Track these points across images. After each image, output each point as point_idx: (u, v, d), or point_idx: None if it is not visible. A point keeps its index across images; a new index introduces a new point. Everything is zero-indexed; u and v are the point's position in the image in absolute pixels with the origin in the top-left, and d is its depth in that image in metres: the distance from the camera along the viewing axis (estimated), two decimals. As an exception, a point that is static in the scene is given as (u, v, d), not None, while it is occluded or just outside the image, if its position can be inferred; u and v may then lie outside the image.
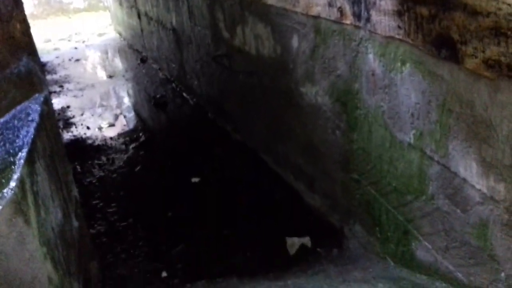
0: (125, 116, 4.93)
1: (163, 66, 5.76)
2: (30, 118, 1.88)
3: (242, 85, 3.45)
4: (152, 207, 3.15)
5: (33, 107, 1.98)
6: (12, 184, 1.43)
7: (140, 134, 4.30)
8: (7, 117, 1.89)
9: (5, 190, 1.39)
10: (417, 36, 1.64)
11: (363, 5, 1.92)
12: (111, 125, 4.75)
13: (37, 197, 1.61)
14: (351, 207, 2.45)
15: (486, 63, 1.35)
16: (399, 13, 1.70)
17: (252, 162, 3.48)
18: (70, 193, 2.31)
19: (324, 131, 2.52)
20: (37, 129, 1.82)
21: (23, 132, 1.77)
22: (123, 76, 6.18)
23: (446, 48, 1.51)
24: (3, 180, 1.45)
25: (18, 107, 1.96)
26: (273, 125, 3.15)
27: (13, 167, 1.53)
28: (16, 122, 1.86)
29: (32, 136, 1.74)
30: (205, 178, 3.41)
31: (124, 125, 4.67)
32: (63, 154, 2.48)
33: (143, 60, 6.38)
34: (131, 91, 5.72)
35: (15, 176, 1.47)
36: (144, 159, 3.86)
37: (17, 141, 1.71)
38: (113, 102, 5.40)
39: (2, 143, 1.70)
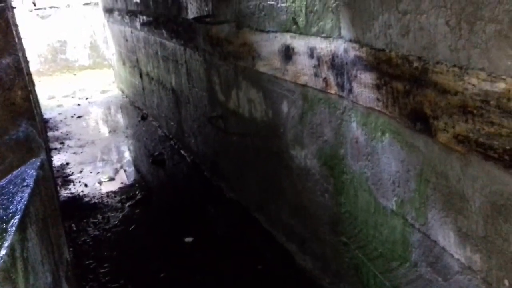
0: (125, 171, 5.00)
1: (162, 123, 5.89)
2: (25, 184, 1.95)
3: (236, 145, 3.54)
4: (145, 268, 3.15)
5: (29, 172, 2.05)
6: (3, 252, 1.47)
7: (137, 192, 4.35)
8: (3, 182, 1.95)
9: (-6, 259, 1.43)
10: (394, 109, 1.73)
11: (345, 77, 2.03)
12: (111, 179, 4.81)
13: (27, 263, 1.65)
14: (341, 270, 2.46)
15: (456, 138, 1.43)
16: (378, 87, 1.80)
17: (245, 221, 3.51)
18: (61, 256, 2.34)
19: (314, 193, 2.57)
20: (31, 195, 1.88)
21: (17, 198, 1.83)
22: (124, 132, 6.30)
23: (420, 121, 1.59)
24: (-6, 248, 1.49)
25: (15, 172, 2.03)
26: (265, 185, 3.21)
27: (4, 234, 1.58)
28: (11, 187, 1.93)
29: (25, 202, 1.80)
30: (199, 238, 3.42)
31: (123, 180, 4.73)
32: (57, 216, 2.53)
33: (144, 118, 6.53)
34: (131, 147, 5.82)
35: (6, 244, 1.51)
36: (139, 217, 3.89)
37: (11, 207, 1.77)
38: (113, 157, 5.49)
39: (-4, 209, 1.75)
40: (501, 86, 1.23)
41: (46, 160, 2.48)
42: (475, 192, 1.41)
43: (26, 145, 2.18)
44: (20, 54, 2.81)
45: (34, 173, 2.04)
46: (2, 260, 1.45)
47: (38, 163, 2.15)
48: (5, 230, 1.59)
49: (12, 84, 2.25)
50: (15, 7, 4.51)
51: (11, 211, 1.73)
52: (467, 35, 1.31)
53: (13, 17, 3.34)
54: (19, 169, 2.05)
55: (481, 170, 1.36)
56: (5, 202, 1.80)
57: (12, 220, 1.66)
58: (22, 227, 1.67)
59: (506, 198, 1.29)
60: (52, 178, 3.94)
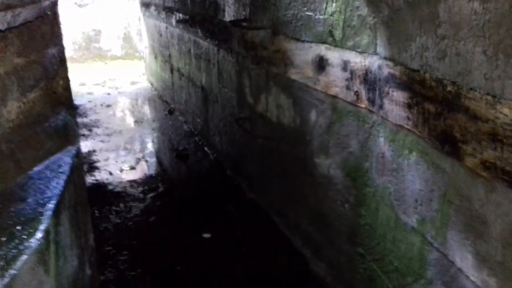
0: (146, 161, 5.12)
1: (189, 119, 5.99)
2: (61, 170, 2.05)
3: (261, 148, 3.60)
4: (162, 259, 3.23)
5: (65, 159, 2.15)
6: (39, 234, 1.57)
7: (159, 184, 4.45)
8: (41, 167, 2.05)
9: (32, 240, 1.53)
10: (424, 129, 1.76)
11: (377, 93, 2.07)
12: (132, 168, 4.94)
13: (58, 247, 1.74)
14: (355, 280, 2.50)
15: (483, 164, 1.46)
16: (409, 106, 1.84)
17: (263, 223, 3.56)
18: (87, 242, 2.43)
19: (334, 202, 2.61)
20: (66, 182, 1.97)
21: (53, 184, 1.93)
22: (150, 125, 6.43)
23: (449, 144, 1.63)
24: (31, 230, 1.59)
25: (52, 158, 2.12)
26: (287, 189, 3.26)
27: (41, 217, 1.67)
28: (48, 173, 2.02)
29: (61, 188, 1.89)
30: (216, 235, 3.50)
31: (146, 171, 4.84)
32: (85, 204, 2.63)
33: (171, 112, 6.65)
34: (155, 140, 5.94)
35: (42, 227, 1.61)
36: (160, 210, 3.99)
37: (47, 192, 1.86)
38: (137, 147, 5.61)
39: (33, 193, 1.85)
40: (532, 118, 1.26)
41: (80, 148, 2.58)
42: (497, 218, 1.43)
43: (64, 132, 2.28)
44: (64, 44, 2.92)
45: (70, 161, 2.14)
46: (38, 242, 1.54)
47: (74, 152, 2.24)
48: (41, 214, 1.69)
49: (55, 74, 2.35)
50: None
51: (47, 195, 1.82)
52: (503, 65, 1.34)
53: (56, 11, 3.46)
54: (56, 155, 2.14)
55: (505, 197, 1.39)
56: (41, 186, 1.90)
57: (48, 205, 1.75)
58: (56, 212, 1.76)
59: (528, 227, 1.32)
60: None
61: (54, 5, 2.20)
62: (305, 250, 3.08)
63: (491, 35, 1.37)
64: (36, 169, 2.03)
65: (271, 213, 3.59)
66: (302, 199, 3.03)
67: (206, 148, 5.24)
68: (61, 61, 2.43)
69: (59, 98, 2.38)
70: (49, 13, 2.21)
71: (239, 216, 3.77)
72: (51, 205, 1.77)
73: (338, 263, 2.69)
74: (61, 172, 2.04)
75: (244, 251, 3.28)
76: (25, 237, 1.56)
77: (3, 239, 1.55)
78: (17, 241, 1.54)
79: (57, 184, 1.93)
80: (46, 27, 2.32)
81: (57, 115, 2.32)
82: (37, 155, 2.08)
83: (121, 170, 4.85)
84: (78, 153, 2.31)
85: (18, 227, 1.62)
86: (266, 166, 3.58)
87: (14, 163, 2.02)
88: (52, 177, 2.00)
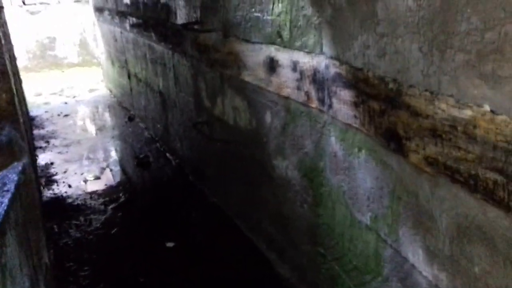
0: (109, 172, 5.01)
1: (149, 125, 5.90)
2: (5, 189, 1.96)
3: (220, 152, 3.57)
4: (124, 271, 3.16)
5: (11, 176, 2.06)
6: (-21, 259, 1.49)
7: (121, 194, 4.35)
8: (-17, 187, 1.96)
9: (-30, 266, 1.45)
10: (370, 127, 1.77)
11: (326, 92, 2.07)
12: (97, 178, 4.82)
13: (5, 270, 1.66)
14: (318, 280, 2.50)
15: (426, 160, 1.48)
16: (356, 104, 1.85)
17: (227, 227, 3.54)
18: (40, 260, 2.35)
19: (293, 203, 2.61)
20: (12, 200, 1.89)
21: (-3, 203, 1.84)
22: (110, 133, 6.29)
23: (394, 141, 1.64)
24: (-29, 255, 1.51)
25: (-4, 177, 2.04)
26: (247, 192, 3.24)
27: (-18, 241, 1.59)
28: (-9, 192, 1.93)
29: (5, 208, 1.81)
30: (180, 243, 3.44)
31: (107, 181, 4.73)
32: (38, 220, 2.54)
33: (131, 119, 6.53)
34: (116, 148, 5.81)
35: (-17, 251, 1.53)
36: (122, 220, 3.90)
37: (-11, 213, 1.78)
38: (97, 158, 5.48)
39: (-25, 215, 1.76)
40: (468, 113, 1.28)
41: (29, 163, 2.49)
42: (442, 213, 1.45)
43: (9, 149, 2.19)
44: (7, 56, 2.82)
45: (16, 178, 2.05)
46: (-21, 267, 1.46)
47: (20, 167, 2.16)
48: (-17, 237, 1.61)
49: (-5, 88, 2.25)
50: (2, 6, 4.49)
51: (-11, 217, 1.74)
52: (438, 62, 1.36)
53: (1, 18, 3.33)
54: (1, 173, 2.06)
55: (449, 192, 1.41)
56: (-16, 207, 1.81)
57: (-10, 227, 1.67)
58: (1, 233, 1.68)
59: (471, 221, 1.34)
60: (36, 178, 3.94)
61: (-12, 17, 2.11)
62: (270, 253, 3.07)
63: (425, 31, 1.39)
64: (-22, 189, 1.95)
65: (233, 217, 3.56)
66: (262, 201, 3.02)
67: (168, 154, 5.17)
68: (3, 74, 2.34)
69: (2, 113, 2.29)
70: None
71: (202, 222, 3.73)
72: (-7, 227, 1.69)
73: (301, 264, 2.69)
74: (5, 191, 1.95)
75: (208, 257, 3.24)
76: (-37, 263, 1.48)
77: None
78: (-45, 268, 1.46)
79: (1, 203, 1.84)
80: (-17, 40, 2.22)
81: (0, 131, 2.22)
82: (-22, 175, 1.99)
83: (86, 181, 4.72)
84: (25, 169, 2.22)
85: (-43, 253, 1.54)
86: (226, 169, 3.55)
87: (-47, 184, 1.93)
88: (-5, 197, 1.91)
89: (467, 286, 1.40)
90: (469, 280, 1.38)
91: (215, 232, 3.55)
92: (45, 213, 3.88)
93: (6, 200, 1.87)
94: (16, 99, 2.75)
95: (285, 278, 2.85)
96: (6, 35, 4.16)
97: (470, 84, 1.26)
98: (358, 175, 1.94)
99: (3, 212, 1.79)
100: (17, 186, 2.02)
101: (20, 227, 2.01)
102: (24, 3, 7.19)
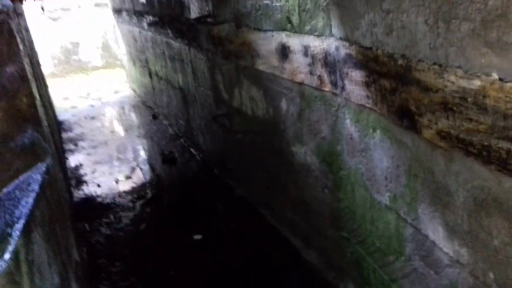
0: (137, 170, 5.10)
1: (172, 122, 5.97)
2: (30, 189, 2.03)
3: (241, 143, 3.58)
4: (154, 266, 3.22)
5: (35, 177, 2.13)
6: (7, 256, 1.55)
7: (148, 191, 4.44)
8: (10, 187, 2.03)
9: (-1, 263, 1.51)
10: (382, 106, 1.75)
11: (338, 74, 2.05)
12: (128, 177, 4.92)
13: (32, 266, 1.72)
14: (343, 264, 2.49)
15: (439, 135, 1.45)
16: (367, 84, 1.83)
17: (252, 217, 3.56)
18: (70, 257, 2.42)
19: (314, 189, 2.60)
20: (36, 199, 1.96)
21: (22, 203, 1.91)
22: (135, 132, 6.40)
23: (406, 118, 1.62)
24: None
25: (21, 178, 2.10)
26: (269, 181, 3.25)
27: (9, 238, 1.65)
28: (17, 192, 2.00)
29: (30, 207, 1.87)
30: (207, 235, 3.49)
31: (135, 179, 4.83)
32: (66, 219, 2.61)
33: (155, 117, 6.62)
34: (141, 147, 5.91)
35: (10, 248, 1.59)
36: (150, 216, 3.97)
37: (16, 212, 1.85)
38: (125, 157, 5.59)
39: (2, 215, 1.83)
40: (476, 83, 1.25)
41: (53, 164, 2.56)
42: (458, 187, 1.43)
43: (32, 150, 2.26)
44: (26, 60, 2.90)
45: (40, 178, 2.12)
46: (7, 263, 1.52)
47: (44, 168, 2.22)
48: (9, 235, 1.67)
49: (16, 92, 2.32)
50: (21, 13, 4.61)
51: (16, 216, 1.81)
52: (444, 33, 1.33)
53: (19, 24, 3.42)
54: (25, 174, 2.13)
55: (463, 165, 1.38)
56: (11, 207, 1.88)
57: (17, 225, 1.73)
58: (26, 231, 1.74)
59: (487, 193, 1.31)
60: (65, 180, 4.05)
61: (4, 22, 2.17)
62: (295, 240, 3.08)
63: (430, 3, 1.36)
64: (5, 190, 2.01)
65: (258, 206, 3.58)
66: (284, 189, 3.02)
67: (192, 149, 5.23)
68: (22, 78, 2.40)
69: (24, 116, 2.36)
70: (1, 31, 2.17)
71: (228, 214, 3.76)
72: (19, 225, 1.75)
73: (326, 249, 2.68)
74: (30, 191, 2.02)
75: (235, 247, 3.28)
76: (-8, 260, 1.54)
77: (-29, 265, 1.53)
78: (-16, 265, 1.53)
79: (27, 203, 1.91)
80: (1, 45, 2.29)
81: (23, 133, 2.29)
82: (5, 176, 2.06)
83: (117, 181, 4.83)
84: (48, 169, 2.29)
85: (-14, 252, 1.60)
86: (248, 160, 3.57)
87: (-18, 187, 2.00)
88: (21, 196, 1.98)
89: (487, 260, 1.37)
90: (489, 253, 1.36)
91: (241, 222, 3.57)
92: (77, 212, 3.99)
93: (31, 200, 1.94)
94: (38, 103, 2.83)
95: (311, 263, 2.85)
96: (27, 41, 4.27)
97: (477, 53, 1.22)
98: (374, 155, 1.92)
99: (28, 211, 1.85)
100: (42, 186, 2.09)
101: (47, 226, 2.08)
102: (43, 10, 7.38)
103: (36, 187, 2.03)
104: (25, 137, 2.28)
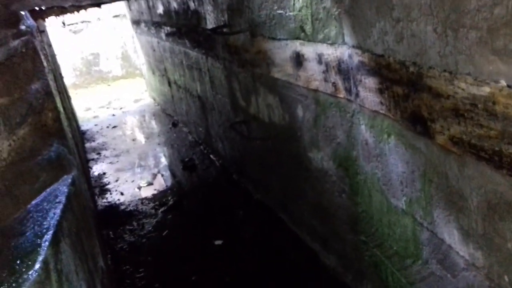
0: (158, 177, 5.21)
1: (192, 129, 6.06)
2: (57, 200, 2.11)
3: (259, 149, 3.63)
4: (177, 271, 3.30)
5: (61, 189, 2.22)
6: (37, 266, 1.63)
7: (169, 198, 4.52)
8: (38, 199, 2.12)
9: (30, 272, 1.59)
10: (396, 112, 1.78)
11: (352, 81, 2.09)
12: (149, 184, 5.03)
13: (61, 275, 1.80)
14: (362, 267, 2.52)
15: (452, 140, 1.48)
16: (380, 91, 1.86)
17: (271, 221, 3.60)
18: (96, 265, 2.50)
19: (332, 193, 2.64)
20: (63, 210, 2.04)
21: (50, 214, 2.00)
22: (156, 140, 6.52)
23: (420, 124, 1.64)
24: (30, 262, 1.65)
25: (48, 190, 2.20)
26: (287, 186, 3.29)
27: (39, 249, 1.73)
28: (45, 204, 2.09)
29: (58, 218, 1.96)
30: (228, 240, 3.55)
31: (157, 186, 4.93)
32: (91, 228, 2.70)
33: (175, 124, 6.73)
34: (162, 155, 6.02)
35: (40, 258, 1.67)
36: (172, 222, 4.05)
37: (44, 223, 1.93)
38: (146, 165, 5.70)
39: (32, 226, 1.92)
40: (486, 90, 1.27)
41: (78, 175, 2.65)
42: (472, 191, 1.45)
43: (58, 163, 2.35)
44: (50, 76, 3.01)
45: (66, 190, 2.21)
46: (37, 273, 1.60)
47: (70, 180, 2.31)
48: (39, 245, 1.75)
49: (42, 108, 2.42)
50: (44, 30, 4.76)
51: (45, 227, 1.89)
52: (452, 41, 1.36)
53: (42, 40, 3.55)
54: (52, 186, 2.22)
55: (476, 170, 1.41)
56: (39, 218, 1.97)
57: (46, 236, 1.82)
58: (55, 241, 1.82)
59: (499, 197, 1.33)
60: (90, 189, 4.16)
61: (29, 42, 2.27)
62: (314, 244, 3.11)
63: (438, 12, 1.39)
64: (33, 202, 2.11)
65: (277, 211, 3.62)
66: (302, 194, 3.06)
67: (211, 156, 5.30)
68: (47, 94, 2.50)
69: (50, 130, 2.46)
70: (25, 50, 2.28)
71: (247, 218, 3.81)
72: (48, 236, 1.83)
73: (345, 253, 2.71)
74: (57, 202, 2.10)
75: (255, 252, 3.33)
76: (24, 269, 1.63)
77: (4, 274, 1.61)
78: (17, 275, 1.61)
79: (54, 214, 1.99)
80: (27, 63, 2.39)
81: (49, 147, 2.39)
82: (33, 189, 2.15)
83: (139, 188, 4.95)
84: (74, 181, 2.37)
85: (18, 261, 1.69)
86: (266, 166, 3.62)
87: (12, 199, 2.10)
88: (49, 208, 2.06)
89: (502, 263, 1.39)
90: (504, 256, 1.37)
91: (260, 227, 3.62)
92: (101, 220, 4.09)
93: (58, 211, 2.02)
94: (63, 116, 2.94)
95: (330, 267, 2.88)
96: (50, 56, 4.42)
97: (485, 61, 1.25)
98: (390, 160, 1.95)
99: (56, 222, 1.94)
100: (68, 198, 2.17)
101: (74, 235, 2.16)
102: (64, 24, 7.61)
103: (63, 198, 2.12)
104: (51, 150, 2.38)
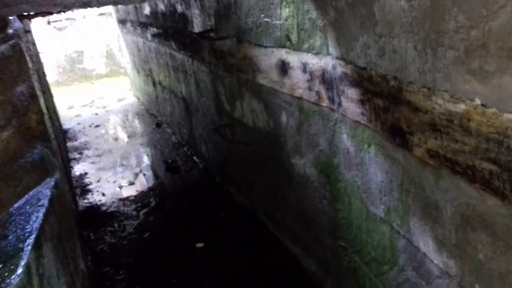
0: (140, 178, 5.20)
1: (176, 130, 6.07)
2: (40, 204, 2.12)
3: (243, 153, 3.67)
4: (158, 274, 3.31)
5: (44, 192, 2.22)
6: (19, 270, 1.64)
7: (151, 199, 4.52)
8: (20, 203, 2.12)
9: (12, 277, 1.60)
10: (376, 123, 1.83)
11: (335, 91, 2.14)
12: (131, 183, 5.03)
13: (42, 279, 1.81)
14: (341, 272, 2.57)
15: (428, 153, 1.53)
16: (362, 102, 1.91)
17: (253, 225, 3.64)
18: (77, 267, 2.51)
19: (313, 199, 2.69)
20: (46, 214, 2.04)
21: (33, 218, 2.00)
22: (139, 140, 6.50)
23: (398, 136, 1.70)
24: (12, 267, 1.66)
25: (31, 193, 2.20)
26: (270, 191, 3.33)
27: (21, 253, 1.74)
28: (28, 207, 2.09)
29: (40, 222, 1.96)
30: (209, 243, 3.57)
31: (139, 187, 4.93)
32: (73, 230, 2.70)
33: (158, 125, 6.72)
34: (145, 155, 6.00)
35: (22, 262, 1.68)
36: (154, 224, 4.06)
37: (27, 226, 1.93)
38: (127, 165, 5.69)
39: (14, 229, 1.92)
40: (461, 107, 1.33)
41: (61, 178, 2.65)
42: (446, 203, 1.51)
43: (41, 166, 2.35)
44: (35, 77, 3.00)
45: (49, 193, 2.21)
46: (19, 278, 1.61)
47: (53, 183, 2.31)
48: (22, 250, 1.76)
49: (26, 110, 2.42)
50: (29, 30, 4.71)
51: (27, 230, 1.89)
52: (431, 59, 1.41)
53: (28, 41, 3.53)
54: (35, 189, 2.22)
55: (451, 183, 1.46)
56: (22, 222, 1.97)
57: (28, 240, 1.82)
58: (37, 245, 1.83)
59: (472, 210, 1.39)
60: (71, 190, 4.14)
61: (15, 45, 2.27)
62: (295, 248, 3.16)
63: (418, 31, 1.44)
64: (16, 205, 2.11)
65: (259, 215, 3.66)
66: (284, 198, 3.10)
67: (195, 157, 5.31)
68: (32, 96, 2.50)
69: (34, 133, 2.45)
70: (12, 54, 2.27)
71: (229, 221, 3.85)
72: (31, 240, 1.84)
73: (325, 258, 2.76)
74: (40, 206, 2.11)
75: (236, 254, 3.36)
76: (6, 274, 1.63)
77: (-14, 279, 1.62)
78: (-1, 279, 1.61)
79: (37, 218, 2.00)
80: (12, 66, 2.38)
81: (33, 149, 2.38)
82: (16, 192, 2.15)
83: (120, 187, 4.94)
84: (57, 184, 2.37)
85: (1, 265, 1.69)
86: (249, 170, 3.65)
87: (-6, 202, 2.09)
88: (32, 211, 2.07)
89: (473, 272, 1.45)
90: (475, 266, 1.43)
91: (242, 230, 3.66)
92: (82, 221, 4.08)
93: (41, 215, 2.03)
94: (46, 118, 2.93)
95: (310, 271, 2.93)
96: (34, 56, 4.38)
97: (461, 80, 1.31)
98: (369, 169, 2.00)
99: (38, 226, 1.94)
100: (51, 201, 2.17)
101: (56, 238, 2.17)
102: (49, 23, 7.53)
103: (45, 202, 2.12)
104: (34, 153, 2.38)
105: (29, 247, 1.77)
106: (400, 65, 1.59)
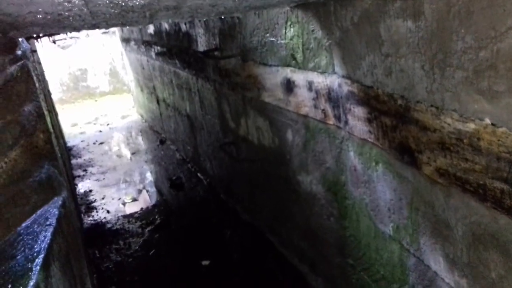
0: (143, 195, 5.20)
1: (180, 147, 6.08)
2: (48, 223, 2.12)
3: (248, 170, 3.67)
4: (164, 292, 3.29)
5: (52, 211, 2.22)
6: (28, 290, 1.63)
7: (156, 216, 4.52)
8: (28, 222, 2.13)
9: (21, 298, 1.59)
10: (384, 141, 1.84)
11: (341, 109, 2.15)
12: (134, 200, 5.02)
13: (50, 299, 1.80)
14: (350, 291, 2.55)
15: (438, 171, 1.54)
16: (369, 120, 1.92)
17: (259, 243, 3.62)
18: (84, 286, 2.49)
19: (320, 216, 2.68)
20: (54, 233, 2.04)
21: (41, 237, 2.00)
22: (143, 157, 6.52)
23: (407, 154, 1.70)
24: (21, 287, 1.65)
25: (38, 212, 2.20)
26: (276, 208, 3.33)
27: (30, 273, 1.74)
28: (35, 227, 2.10)
29: (48, 241, 1.96)
30: (215, 260, 3.55)
31: (144, 204, 4.92)
32: (79, 249, 2.69)
33: (162, 142, 6.74)
34: (149, 172, 6.01)
35: (32, 283, 1.67)
36: (159, 242, 4.04)
37: (35, 246, 1.93)
38: (132, 182, 5.69)
39: (22, 249, 1.92)
40: (471, 126, 1.34)
41: (68, 196, 2.65)
42: (457, 221, 1.50)
43: (48, 185, 2.36)
44: (41, 96, 3.02)
45: (57, 212, 2.21)
46: (29, 298, 1.60)
47: (60, 202, 2.32)
48: (31, 269, 1.75)
49: (34, 129, 2.43)
50: (35, 50, 4.77)
51: (35, 250, 1.89)
52: (439, 79, 1.42)
53: (34, 60, 3.57)
54: (43, 208, 2.22)
55: (461, 201, 1.46)
56: (30, 241, 1.97)
57: (37, 259, 1.82)
58: (46, 265, 1.83)
59: (484, 228, 1.39)
60: (76, 207, 4.14)
61: (24, 66, 2.29)
62: (302, 266, 3.14)
63: (425, 51, 1.46)
64: (24, 225, 2.11)
65: (265, 232, 3.65)
66: (291, 216, 3.09)
67: (199, 174, 5.32)
68: (39, 116, 2.52)
69: (41, 152, 2.47)
70: (20, 74, 2.30)
71: (235, 239, 3.83)
72: (39, 260, 1.84)
73: (332, 276, 2.74)
74: (48, 225, 2.11)
75: (242, 273, 3.34)
76: (15, 295, 1.63)
77: (-5, 300, 1.61)
78: (8, 300, 1.61)
79: (45, 237, 2.00)
80: (20, 86, 2.41)
81: (40, 169, 2.39)
82: (24, 211, 2.15)
83: (124, 203, 4.94)
84: (65, 203, 2.38)
85: (9, 286, 1.69)
86: (255, 187, 3.65)
87: (2, 222, 2.10)
88: (39, 231, 2.07)
89: (486, 292, 1.44)
90: (488, 285, 1.43)
91: (248, 248, 3.64)
92: (87, 239, 4.07)
93: (48, 234, 2.03)
94: (53, 136, 2.94)
95: (318, 290, 2.91)
96: (40, 75, 4.43)
97: (470, 99, 1.32)
98: (377, 187, 2.00)
99: (46, 246, 1.94)
100: (58, 220, 2.17)
101: (63, 258, 2.16)
102: (54, 42, 7.64)
103: (53, 221, 2.12)
104: (42, 172, 2.38)
105: (38, 267, 1.77)
106: (407, 84, 1.60)
